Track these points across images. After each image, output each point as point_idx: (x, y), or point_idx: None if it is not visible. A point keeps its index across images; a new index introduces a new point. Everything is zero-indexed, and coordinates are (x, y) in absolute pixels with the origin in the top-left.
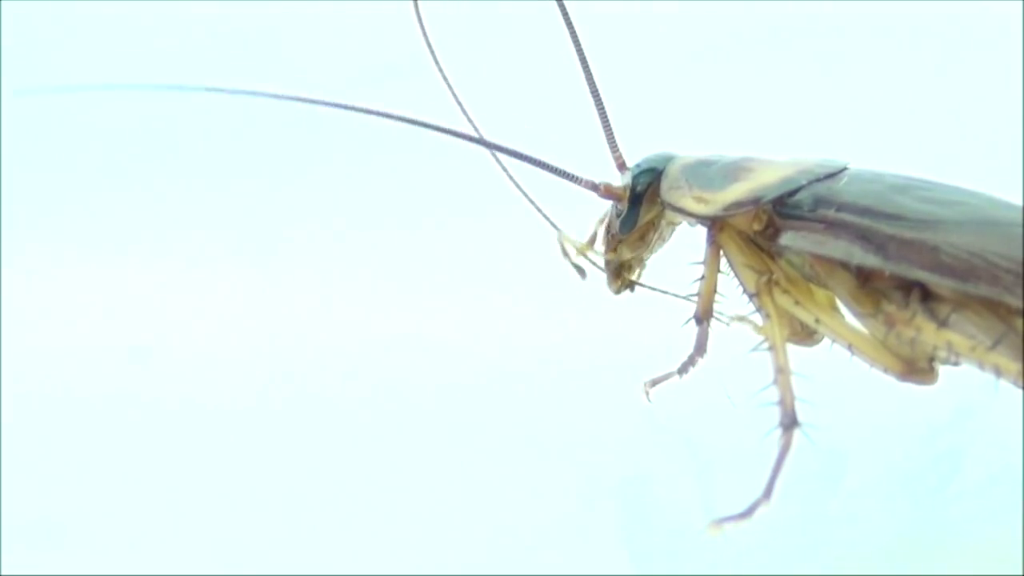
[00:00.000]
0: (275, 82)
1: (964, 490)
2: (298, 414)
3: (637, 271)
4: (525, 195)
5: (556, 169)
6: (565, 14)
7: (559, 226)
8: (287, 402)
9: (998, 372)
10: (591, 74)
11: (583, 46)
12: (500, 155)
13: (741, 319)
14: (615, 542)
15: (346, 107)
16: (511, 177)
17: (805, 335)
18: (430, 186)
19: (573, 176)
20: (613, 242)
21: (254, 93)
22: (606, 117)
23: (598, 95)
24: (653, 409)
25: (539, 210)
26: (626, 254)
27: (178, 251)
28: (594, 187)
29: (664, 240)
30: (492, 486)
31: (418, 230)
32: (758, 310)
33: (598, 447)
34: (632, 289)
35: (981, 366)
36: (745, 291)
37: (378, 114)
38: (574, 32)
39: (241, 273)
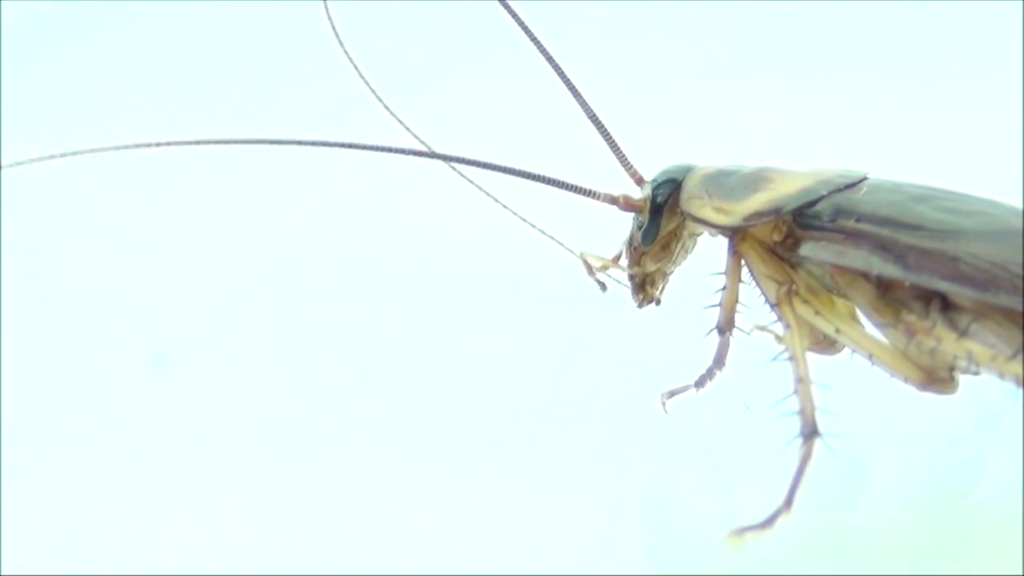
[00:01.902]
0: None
1: (985, 498)
2: (319, 427)
3: (661, 286)
4: (540, 230)
5: (573, 186)
6: (542, 50)
7: (576, 250)
8: (308, 414)
9: (1019, 382)
10: (585, 101)
11: (567, 74)
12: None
13: (762, 329)
14: (636, 553)
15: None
16: (517, 214)
17: (827, 343)
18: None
19: (591, 192)
20: (636, 255)
21: None
22: (612, 140)
23: (598, 121)
24: (673, 419)
25: (555, 239)
26: (650, 266)
27: (198, 260)
28: (613, 200)
29: (687, 252)
30: (514, 496)
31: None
32: (779, 320)
33: (620, 458)
34: (658, 303)
35: (1002, 376)
36: (766, 301)
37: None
38: (556, 64)
39: (261, 283)
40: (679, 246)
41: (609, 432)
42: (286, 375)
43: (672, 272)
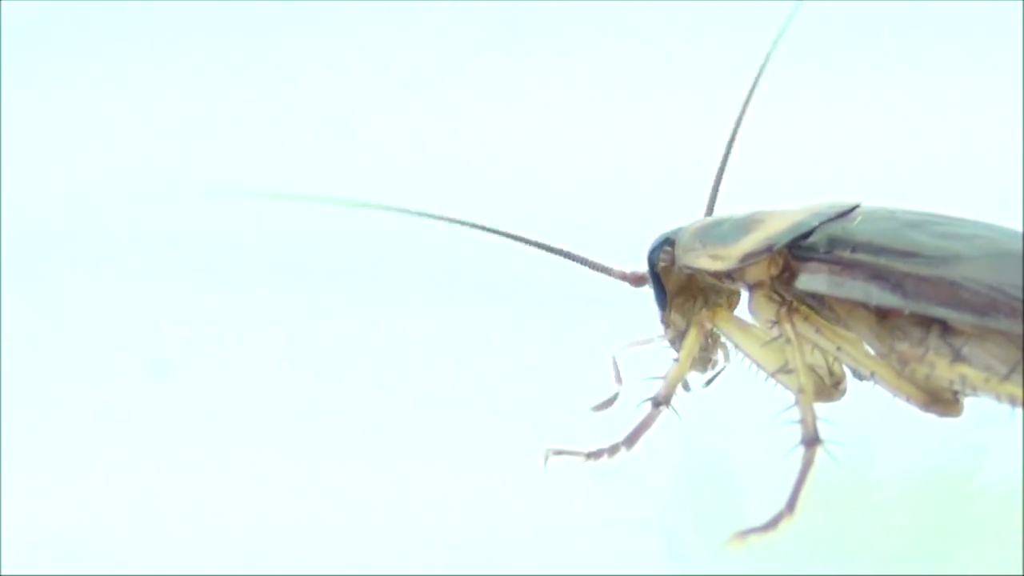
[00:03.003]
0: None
1: (986, 485)
2: (321, 430)
3: (719, 352)
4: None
5: (589, 261)
6: None
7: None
8: (310, 416)
9: (1015, 402)
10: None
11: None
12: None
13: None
14: (642, 553)
15: None
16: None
17: (830, 388)
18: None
19: (606, 268)
20: (666, 323)
21: None
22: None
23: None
24: (680, 425)
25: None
26: (677, 330)
27: (201, 264)
28: (624, 277)
29: (732, 296)
30: (525, 494)
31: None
32: (779, 337)
33: (624, 460)
34: (707, 384)
35: (998, 397)
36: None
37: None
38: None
39: (265, 289)
40: (700, 301)
41: (611, 432)
42: (287, 378)
43: (716, 346)
